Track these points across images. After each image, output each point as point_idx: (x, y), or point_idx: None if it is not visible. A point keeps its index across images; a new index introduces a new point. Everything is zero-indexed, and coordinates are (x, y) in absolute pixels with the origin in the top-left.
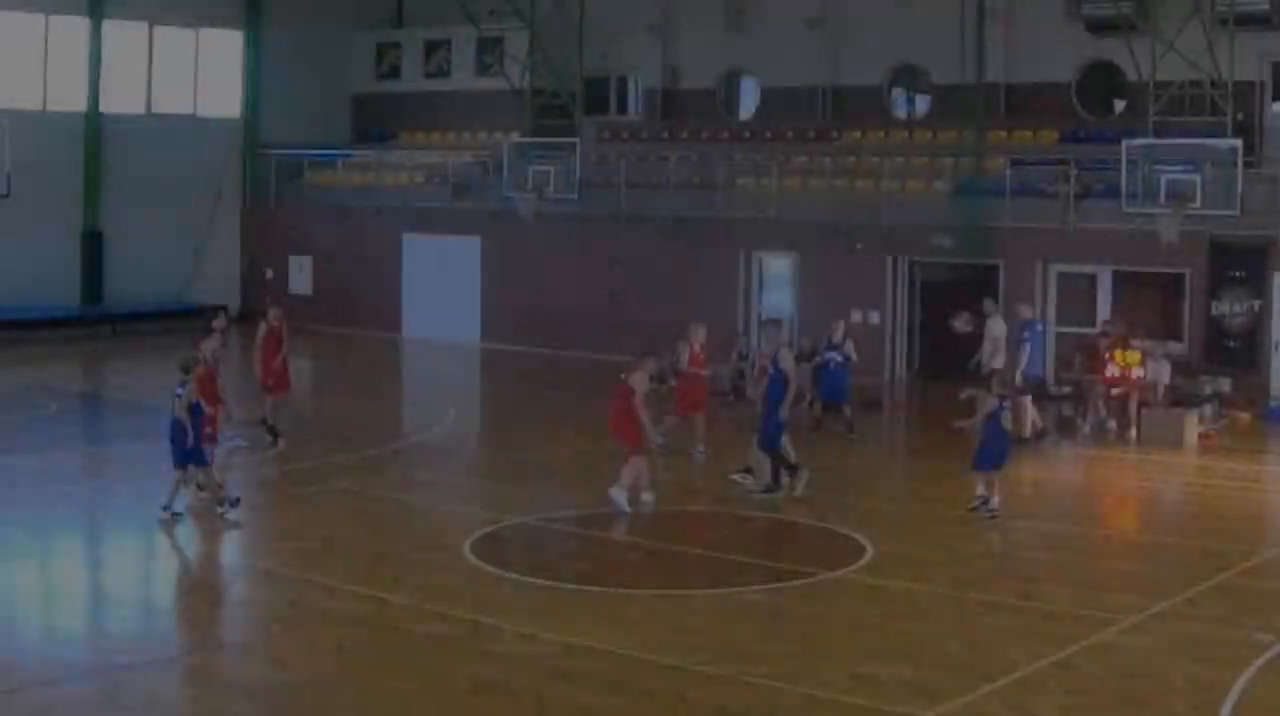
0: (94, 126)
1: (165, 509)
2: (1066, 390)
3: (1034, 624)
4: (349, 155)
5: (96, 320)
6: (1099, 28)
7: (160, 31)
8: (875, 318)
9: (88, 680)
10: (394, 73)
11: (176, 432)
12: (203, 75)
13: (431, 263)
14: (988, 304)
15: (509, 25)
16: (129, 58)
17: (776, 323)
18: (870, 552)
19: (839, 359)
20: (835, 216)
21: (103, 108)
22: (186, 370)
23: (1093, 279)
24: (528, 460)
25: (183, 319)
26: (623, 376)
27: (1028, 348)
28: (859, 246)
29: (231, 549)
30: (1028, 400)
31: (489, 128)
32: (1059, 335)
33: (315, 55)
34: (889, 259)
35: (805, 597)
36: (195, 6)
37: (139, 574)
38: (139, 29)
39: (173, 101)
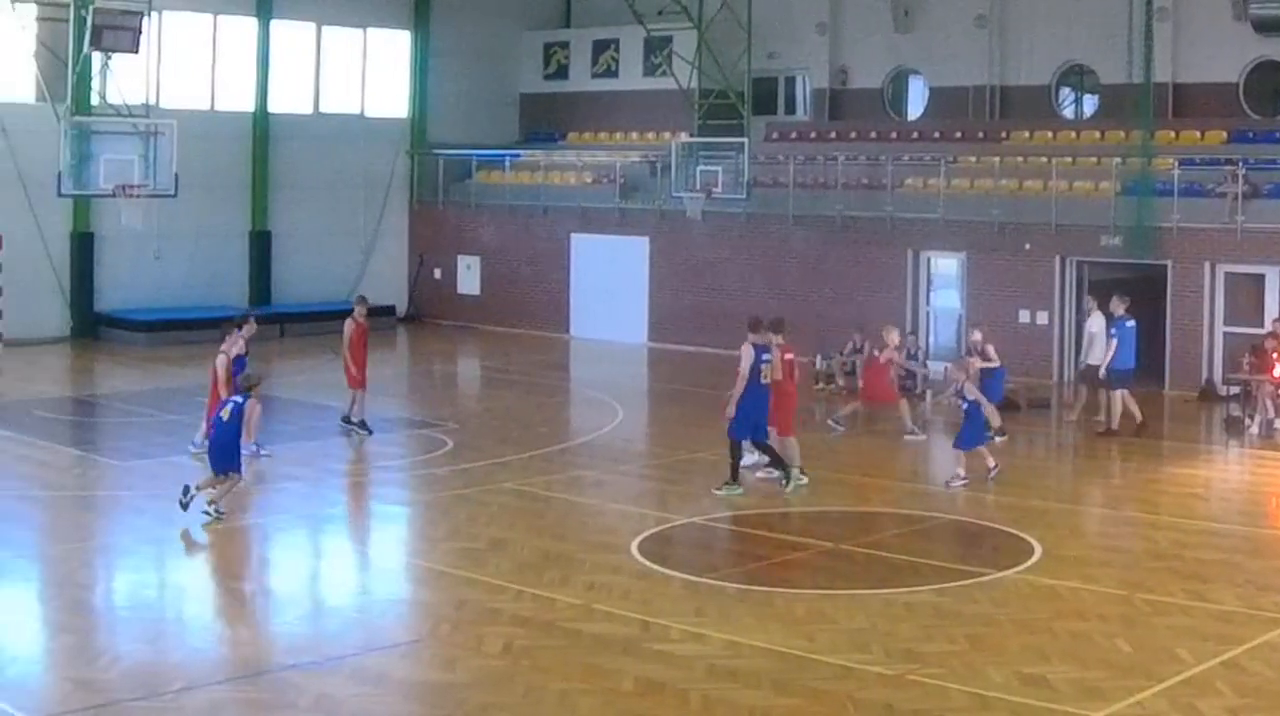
0: (262, 127)
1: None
2: (1234, 390)
3: (1202, 624)
4: (517, 155)
5: (265, 320)
6: (1267, 27)
7: (328, 31)
8: (1043, 318)
9: (256, 680)
10: (562, 73)
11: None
12: (370, 75)
13: (599, 262)
14: (1088, 301)
15: (677, 25)
16: (297, 58)
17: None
18: (1038, 552)
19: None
20: (1003, 217)
21: (271, 108)
22: (249, 387)
23: (1261, 279)
24: (695, 460)
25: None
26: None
27: (1115, 342)
28: (1027, 247)
29: (400, 549)
30: (1118, 394)
31: (657, 128)
32: (1226, 335)
33: (483, 55)
34: (1057, 259)
35: (973, 597)
36: (363, 7)
37: (307, 574)
38: (307, 29)
39: (340, 101)
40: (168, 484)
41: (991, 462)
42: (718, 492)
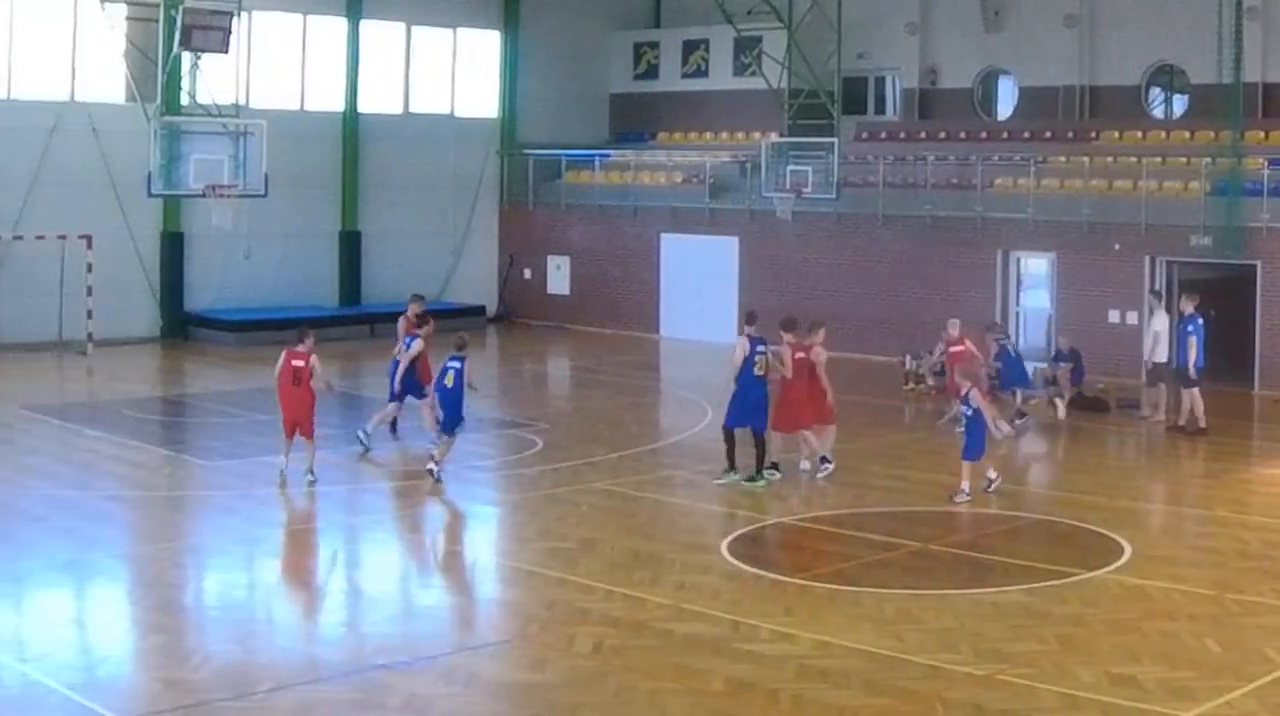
0: (352, 127)
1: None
2: None
3: None
4: (607, 155)
5: (355, 320)
6: None
7: (418, 31)
8: (1133, 318)
9: (347, 680)
10: (652, 72)
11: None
12: (460, 75)
13: (689, 262)
14: (1151, 298)
15: (767, 25)
16: (387, 58)
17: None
18: (1128, 552)
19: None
20: (1093, 217)
21: (360, 108)
22: (461, 348)
23: None
24: (785, 459)
25: (440, 319)
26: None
27: (1195, 340)
28: (1116, 247)
29: (490, 549)
30: (1195, 391)
31: (746, 128)
32: None
33: (573, 55)
34: (1146, 259)
35: (1062, 597)
36: (453, 7)
37: (398, 574)
38: (397, 29)
39: (430, 102)
40: (257, 484)
41: (992, 475)
42: (718, 483)
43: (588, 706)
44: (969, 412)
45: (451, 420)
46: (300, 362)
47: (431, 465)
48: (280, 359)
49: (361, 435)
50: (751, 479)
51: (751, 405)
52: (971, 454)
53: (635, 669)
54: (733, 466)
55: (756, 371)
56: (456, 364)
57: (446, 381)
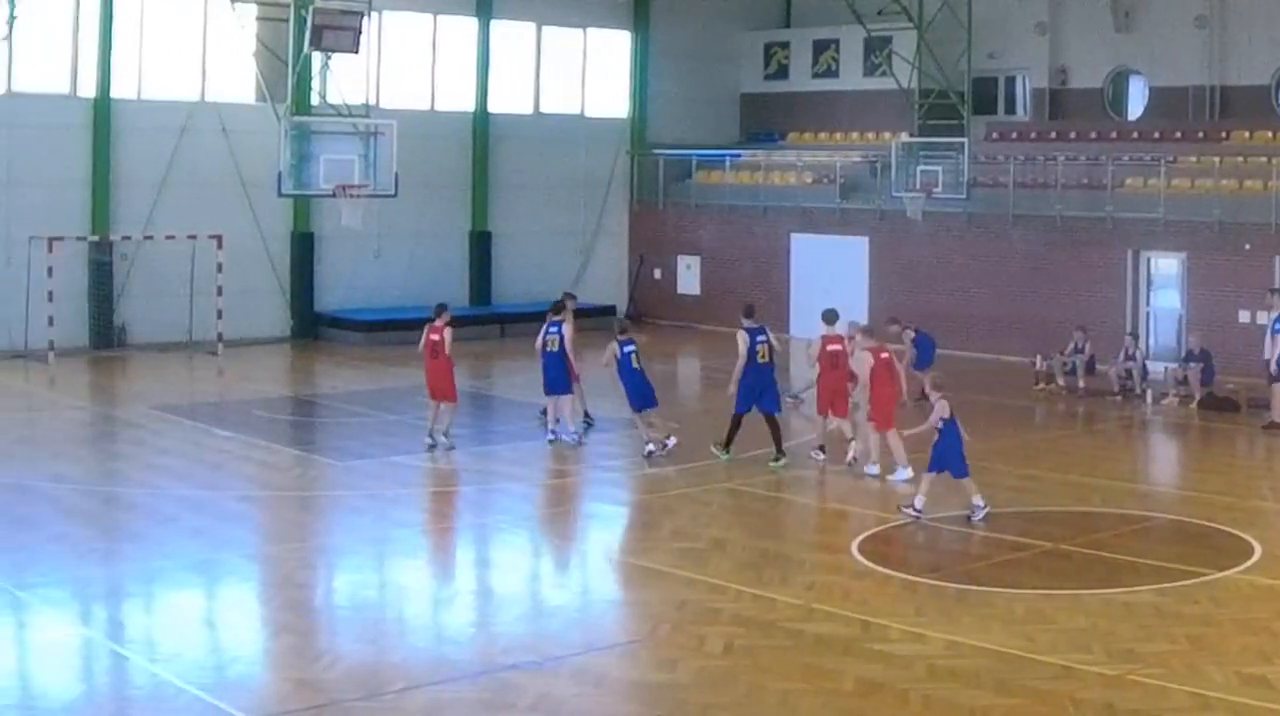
0: (482, 126)
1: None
2: None
3: None
4: (737, 155)
5: (485, 320)
6: None
7: (548, 31)
8: (1264, 318)
9: (477, 680)
10: (782, 72)
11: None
12: (590, 75)
13: (819, 262)
14: (1273, 297)
15: (897, 25)
16: (517, 58)
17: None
18: (1258, 552)
19: None
20: (1223, 216)
21: (491, 108)
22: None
23: None
24: (915, 459)
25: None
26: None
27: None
28: (1247, 247)
29: (620, 549)
30: (1277, 388)
31: (877, 128)
32: None
33: (703, 55)
34: (1277, 259)
35: (1193, 597)
36: (583, 7)
37: (528, 574)
38: (527, 29)
39: (560, 102)
40: (388, 484)
41: (979, 501)
42: (714, 450)
43: (718, 706)
44: (942, 423)
45: (640, 400)
46: (436, 336)
47: (649, 447)
48: (423, 334)
49: (566, 436)
50: (775, 459)
51: (759, 390)
52: (956, 470)
53: (766, 669)
54: (728, 447)
55: (760, 358)
56: (629, 348)
57: (635, 364)
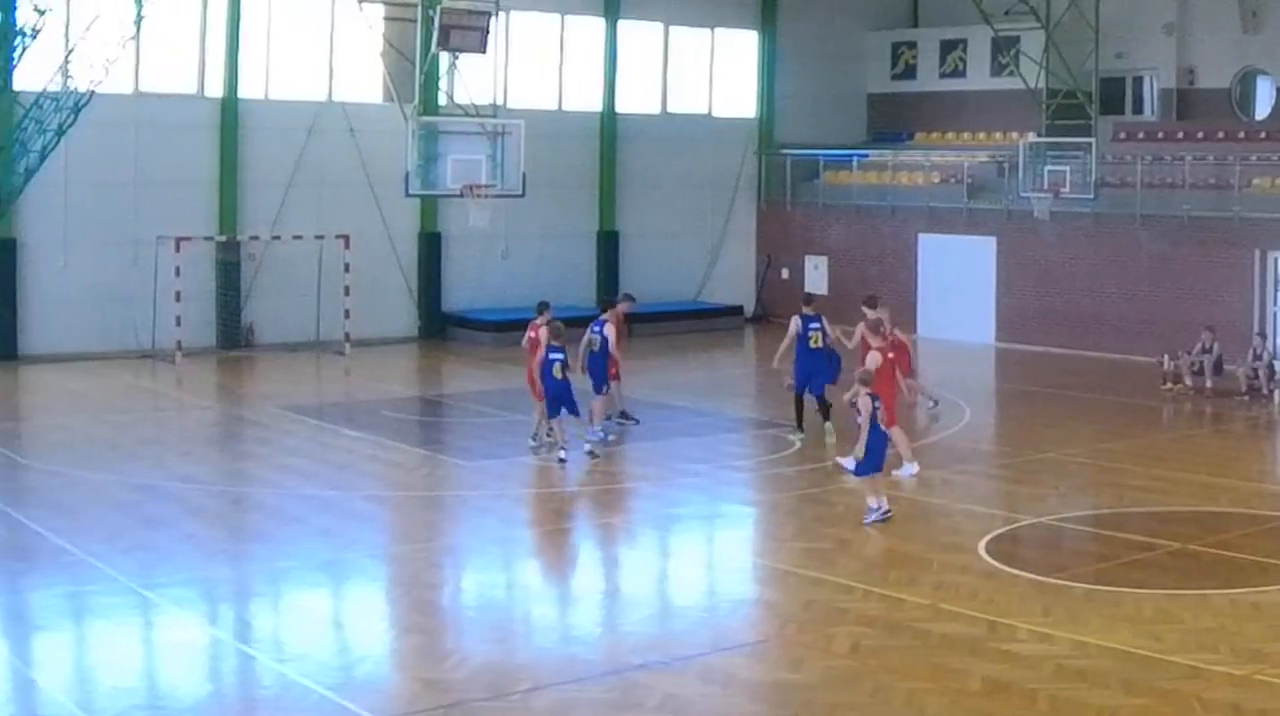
0: (609, 127)
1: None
2: None
3: None
4: (864, 155)
5: None
6: None
7: (675, 31)
8: None
9: (604, 680)
10: (909, 72)
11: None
12: (718, 75)
13: (946, 262)
14: None
15: (1024, 25)
16: (644, 58)
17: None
18: None
19: None
20: None
21: (618, 108)
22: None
23: None
24: (1044, 460)
25: (697, 319)
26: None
27: None
28: None
29: (746, 549)
30: None
31: (1004, 127)
32: None
33: (830, 55)
34: None
35: None
36: (711, 7)
37: (655, 574)
38: (654, 29)
39: (688, 101)
40: (514, 484)
41: (874, 503)
42: (790, 437)
43: (845, 706)
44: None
45: (554, 405)
46: (533, 333)
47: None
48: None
49: (591, 436)
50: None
51: (810, 372)
52: (864, 468)
53: (892, 669)
54: (800, 426)
55: (811, 344)
56: (559, 356)
57: (554, 373)
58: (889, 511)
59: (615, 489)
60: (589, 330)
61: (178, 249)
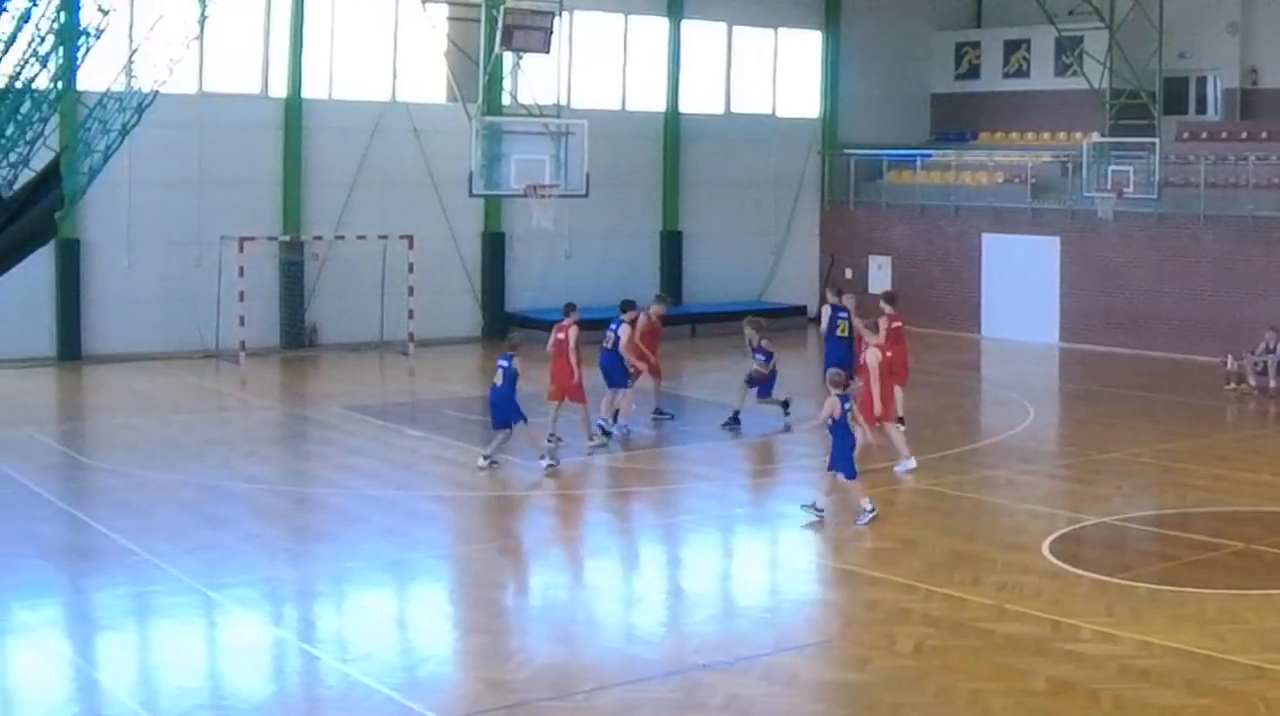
0: (673, 127)
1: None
2: None
3: None
4: (928, 155)
5: (676, 320)
6: None
7: (739, 31)
8: None
9: (668, 680)
10: (973, 72)
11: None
12: (781, 75)
13: (1010, 262)
14: None
15: (1087, 25)
16: (708, 58)
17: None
18: None
19: None
20: None
21: (681, 108)
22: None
23: None
24: (1108, 460)
25: (761, 319)
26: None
27: None
28: None
29: (810, 549)
30: None
31: (1067, 127)
32: None
33: (894, 55)
34: None
35: None
36: (774, 7)
37: (717, 574)
38: (718, 29)
39: (751, 101)
40: (577, 484)
41: (868, 504)
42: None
43: (909, 706)
44: (832, 422)
45: (501, 417)
46: (562, 335)
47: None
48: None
49: (616, 430)
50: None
51: (834, 359)
52: (847, 470)
53: (956, 669)
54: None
55: (839, 333)
56: (506, 363)
57: (496, 380)
58: (873, 511)
59: (677, 489)
60: (608, 328)
61: (241, 249)
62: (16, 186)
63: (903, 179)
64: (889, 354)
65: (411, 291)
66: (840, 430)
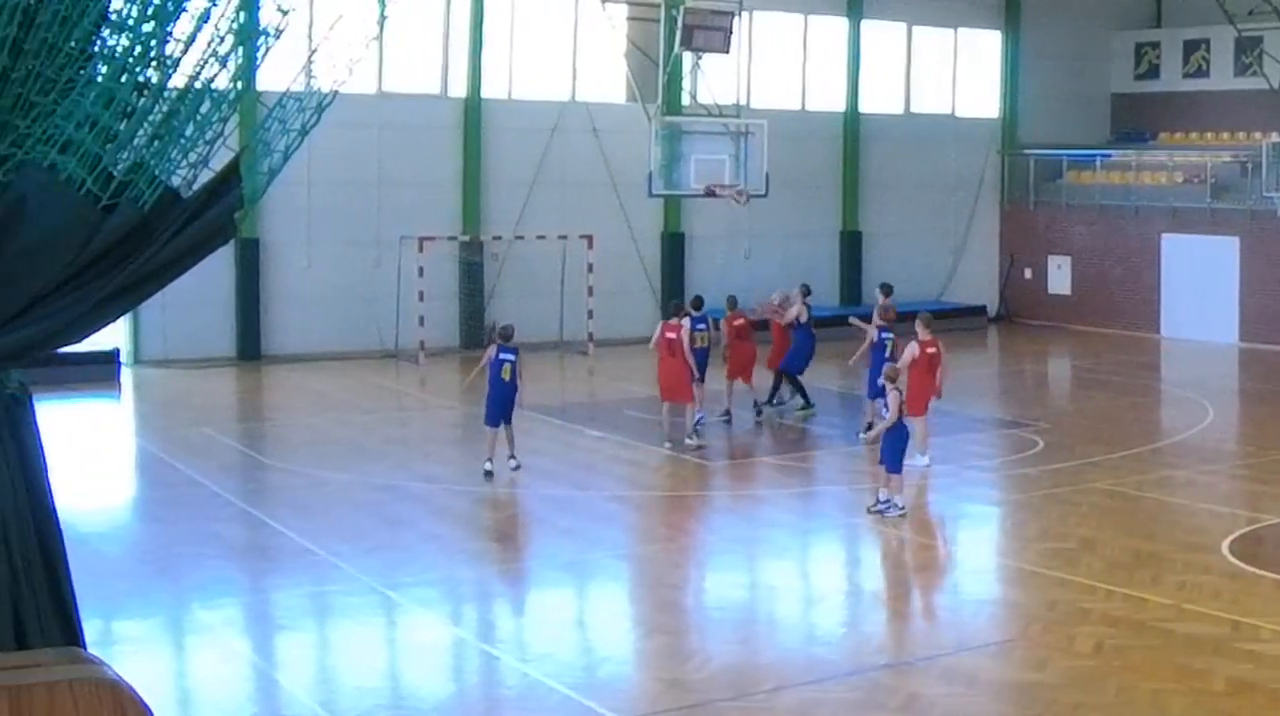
0: (853, 127)
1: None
2: None
3: None
4: (1108, 155)
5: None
6: None
7: (918, 32)
8: None
9: (848, 680)
10: (1153, 72)
11: None
12: (961, 75)
13: (1190, 262)
14: None
15: (1268, 25)
16: (888, 58)
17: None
18: None
19: None
20: None
21: (861, 108)
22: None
23: None
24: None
25: (941, 319)
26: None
27: None
28: None
29: (990, 549)
30: None
31: (1247, 127)
32: None
33: (1073, 55)
34: None
35: None
36: (954, 7)
37: (897, 574)
38: (897, 29)
39: (931, 101)
40: (757, 484)
41: (893, 498)
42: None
43: (1089, 706)
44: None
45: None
46: (673, 334)
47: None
48: (656, 330)
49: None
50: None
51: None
52: (891, 463)
53: (1136, 669)
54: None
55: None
56: (510, 357)
57: (501, 374)
58: (904, 510)
59: (858, 489)
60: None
61: (421, 249)
62: (196, 187)
63: (1082, 179)
64: (930, 350)
65: (591, 291)
66: (896, 427)
